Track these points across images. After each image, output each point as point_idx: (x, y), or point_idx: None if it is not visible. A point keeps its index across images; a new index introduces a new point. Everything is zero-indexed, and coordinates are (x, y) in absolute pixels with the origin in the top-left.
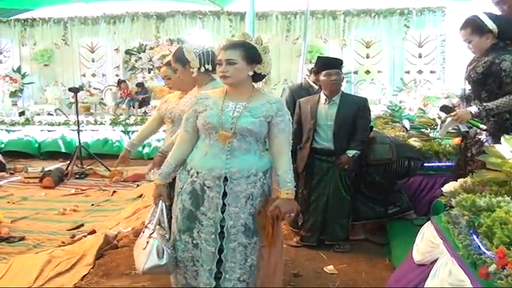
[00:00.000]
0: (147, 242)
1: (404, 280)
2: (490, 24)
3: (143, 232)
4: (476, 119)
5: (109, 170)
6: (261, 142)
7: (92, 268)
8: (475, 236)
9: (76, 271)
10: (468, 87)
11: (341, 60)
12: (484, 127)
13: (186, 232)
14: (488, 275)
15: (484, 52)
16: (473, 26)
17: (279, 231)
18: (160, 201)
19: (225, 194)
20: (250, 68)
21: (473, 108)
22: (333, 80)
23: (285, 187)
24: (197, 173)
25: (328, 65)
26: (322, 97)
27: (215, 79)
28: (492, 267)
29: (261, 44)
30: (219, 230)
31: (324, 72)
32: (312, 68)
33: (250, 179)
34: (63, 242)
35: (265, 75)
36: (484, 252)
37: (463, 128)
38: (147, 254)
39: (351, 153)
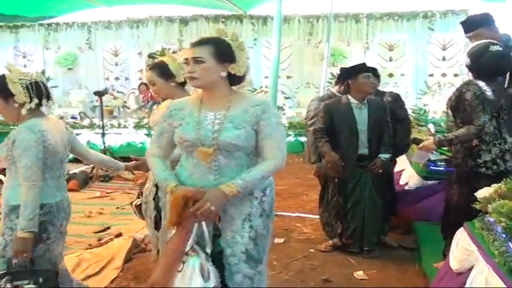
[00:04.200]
0: (183, 262)
1: None
2: (467, 62)
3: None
4: (442, 148)
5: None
6: (255, 155)
7: (120, 271)
8: (511, 243)
9: (105, 274)
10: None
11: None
12: (450, 154)
13: None
14: None
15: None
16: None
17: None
18: None
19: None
20: (223, 68)
21: (436, 139)
22: (372, 82)
23: (233, 181)
24: None
25: (363, 69)
26: (353, 101)
27: (44, 114)
28: None
29: (236, 40)
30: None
31: (363, 75)
32: (337, 79)
33: (246, 198)
34: (90, 245)
35: (244, 77)
36: None
37: (434, 157)
38: (188, 277)
39: (385, 157)
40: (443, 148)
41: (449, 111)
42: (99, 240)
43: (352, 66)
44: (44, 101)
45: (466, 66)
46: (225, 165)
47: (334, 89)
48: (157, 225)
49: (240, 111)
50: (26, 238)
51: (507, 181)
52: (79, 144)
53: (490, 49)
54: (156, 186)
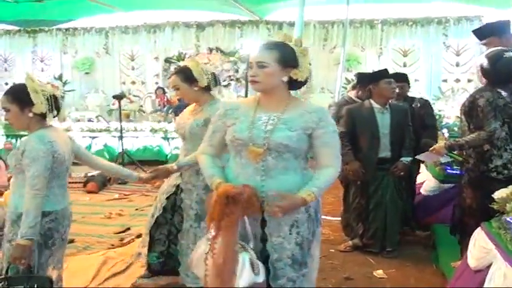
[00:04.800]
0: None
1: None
2: (486, 68)
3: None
4: (453, 152)
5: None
6: (303, 158)
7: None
8: None
9: (132, 272)
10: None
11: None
12: (460, 159)
13: None
14: None
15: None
16: (478, 66)
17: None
18: None
19: (264, 222)
20: (285, 73)
21: (447, 143)
22: (393, 87)
23: (309, 188)
24: None
25: (384, 75)
26: (375, 106)
27: (51, 125)
28: None
29: (300, 46)
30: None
31: (384, 81)
32: (354, 84)
33: None
34: (112, 245)
35: (304, 83)
36: None
37: (444, 160)
38: (238, 271)
39: (406, 160)
40: (453, 152)
41: (463, 117)
42: (121, 240)
43: (372, 72)
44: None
45: (482, 71)
46: (273, 166)
47: (352, 94)
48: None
49: (295, 115)
50: (25, 245)
51: None
52: (84, 152)
53: (504, 55)
54: (178, 187)
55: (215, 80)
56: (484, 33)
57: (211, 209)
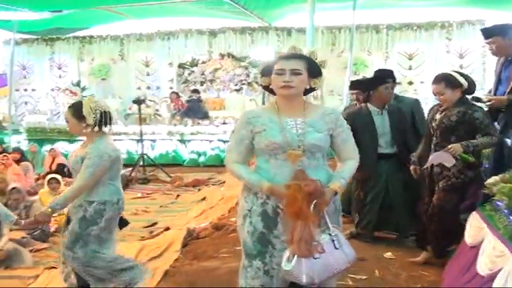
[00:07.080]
0: (334, 241)
1: (462, 261)
2: (463, 81)
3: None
4: (466, 153)
5: (170, 176)
6: (325, 156)
7: (180, 254)
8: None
9: (167, 256)
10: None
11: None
12: (472, 160)
13: (257, 257)
14: None
15: (453, 103)
16: (447, 82)
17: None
18: None
19: None
20: (309, 81)
21: (464, 143)
22: (391, 92)
23: (337, 180)
24: (267, 196)
25: (383, 77)
26: (373, 109)
27: None
28: None
29: (316, 59)
30: None
31: (383, 86)
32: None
33: None
34: (142, 237)
35: (315, 90)
36: None
37: (449, 164)
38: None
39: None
40: (464, 154)
41: (439, 130)
42: (151, 233)
43: (372, 78)
44: None
45: (468, 89)
46: (307, 165)
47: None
48: None
49: (316, 117)
50: None
51: (511, 171)
52: None
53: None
54: None
55: (105, 119)
56: (490, 32)
57: (295, 208)
